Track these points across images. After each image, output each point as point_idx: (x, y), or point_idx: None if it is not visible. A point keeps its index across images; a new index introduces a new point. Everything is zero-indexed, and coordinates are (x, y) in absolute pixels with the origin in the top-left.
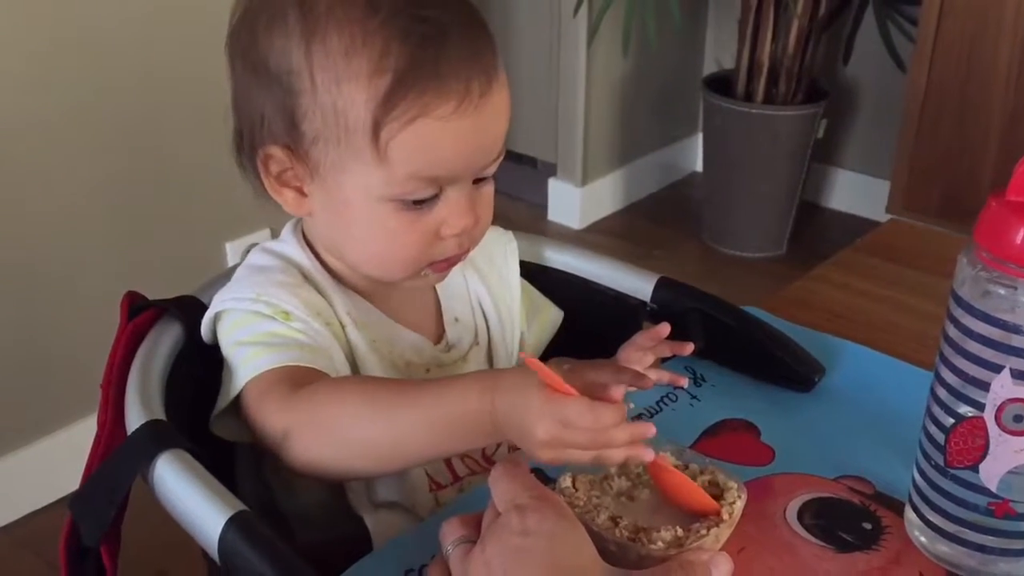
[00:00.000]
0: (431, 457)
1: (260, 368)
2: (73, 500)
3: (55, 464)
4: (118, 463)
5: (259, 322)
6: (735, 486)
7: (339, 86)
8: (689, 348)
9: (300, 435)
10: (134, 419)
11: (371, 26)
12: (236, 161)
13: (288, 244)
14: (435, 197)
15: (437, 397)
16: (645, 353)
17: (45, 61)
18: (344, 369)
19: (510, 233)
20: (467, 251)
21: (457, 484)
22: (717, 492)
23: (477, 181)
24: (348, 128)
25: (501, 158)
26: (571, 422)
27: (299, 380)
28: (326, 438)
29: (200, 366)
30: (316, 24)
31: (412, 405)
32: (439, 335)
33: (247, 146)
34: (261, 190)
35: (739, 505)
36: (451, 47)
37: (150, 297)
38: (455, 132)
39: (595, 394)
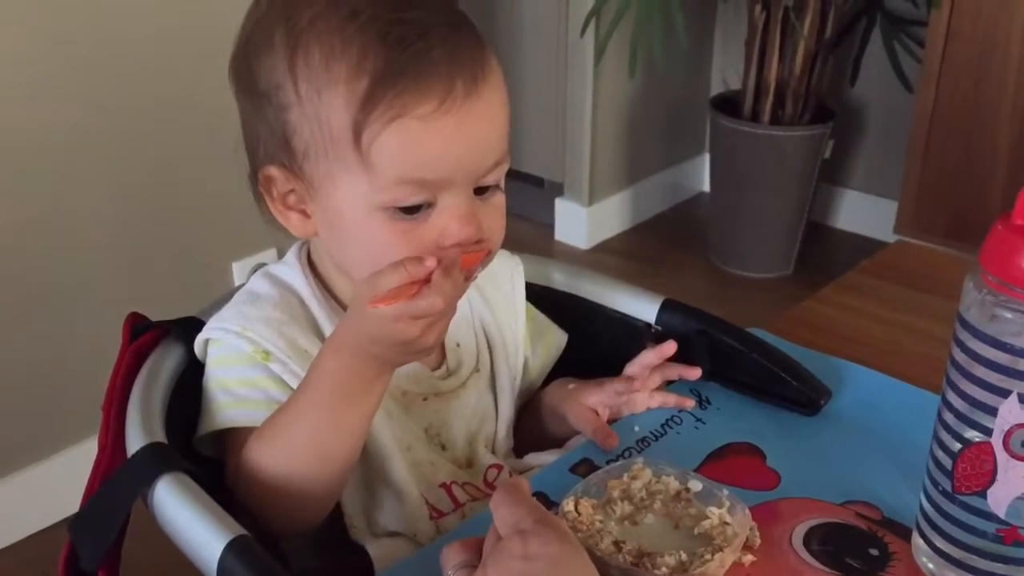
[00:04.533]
0: (363, 427)
1: (225, 423)
2: (72, 524)
3: (61, 484)
4: (118, 486)
5: (239, 364)
6: (741, 510)
7: (320, 95)
8: (697, 373)
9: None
10: (135, 441)
11: (349, 32)
12: (253, 194)
13: (290, 268)
14: (429, 206)
15: (310, 389)
16: (652, 372)
17: (54, 80)
18: None
19: (517, 257)
20: (488, 255)
21: (459, 511)
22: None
23: (481, 192)
24: (332, 137)
25: (504, 166)
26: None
27: None
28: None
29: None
30: (299, 38)
31: (304, 415)
32: (439, 360)
33: (252, 173)
34: (272, 219)
35: (744, 530)
36: (432, 46)
37: (156, 315)
38: (439, 131)
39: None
